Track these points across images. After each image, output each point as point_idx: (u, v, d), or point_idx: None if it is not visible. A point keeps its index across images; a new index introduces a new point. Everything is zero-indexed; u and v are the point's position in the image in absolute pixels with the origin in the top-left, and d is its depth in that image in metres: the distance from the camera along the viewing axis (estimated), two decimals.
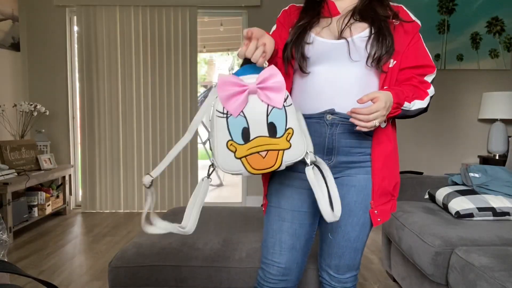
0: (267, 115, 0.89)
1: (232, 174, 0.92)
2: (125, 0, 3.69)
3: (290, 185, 1.12)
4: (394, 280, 2.18)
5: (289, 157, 0.91)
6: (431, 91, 1.08)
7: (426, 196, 2.10)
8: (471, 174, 1.96)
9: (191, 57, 3.77)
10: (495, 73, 3.77)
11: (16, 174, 3.07)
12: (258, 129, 0.89)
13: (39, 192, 3.29)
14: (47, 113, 3.67)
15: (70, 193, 3.88)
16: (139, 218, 3.54)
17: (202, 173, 5.66)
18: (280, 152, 0.91)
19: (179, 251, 1.49)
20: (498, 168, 1.96)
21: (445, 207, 1.88)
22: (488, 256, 1.35)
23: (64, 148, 3.90)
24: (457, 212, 1.77)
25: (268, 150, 0.90)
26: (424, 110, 1.08)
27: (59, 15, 3.79)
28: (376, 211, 1.09)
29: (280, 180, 1.14)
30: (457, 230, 1.60)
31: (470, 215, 1.74)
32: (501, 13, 3.71)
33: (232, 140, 0.89)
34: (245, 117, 0.88)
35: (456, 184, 2.03)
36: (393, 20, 1.07)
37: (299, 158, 0.92)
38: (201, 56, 11.70)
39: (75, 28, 3.85)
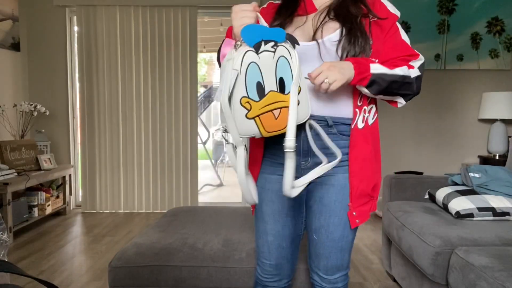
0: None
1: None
2: (125, 0, 3.69)
3: (271, 189, 1.14)
4: (394, 280, 2.18)
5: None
6: (415, 71, 1.03)
7: (426, 196, 2.10)
8: (471, 174, 1.96)
9: (191, 57, 3.77)
10: (495, 73, 3.77)
11: (16, 174, 3.07)
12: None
13: (39, 192, 3.29)
14: (47, 113, 3.67)
15: (70, 193, 3.88)
16: (139, 218, 3.54)
17: (202, 173, 5.59)
18: None
19: (179, 251, 1.49)
20: (498, 168, 1.96)
21: (445, 207, 1.88)
22: (488, 256, 1.35)
23: (64, 148, 3.90)
24: (457, 212, 1.77)
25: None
26: (411, 86, 1.03)
27: (59, 15, 3.79)
28: (354, 213, 1.08)
29: (261, 184, 1.15)
30: (457, 230, 1.60)
31: (470, 215, 1.74)
32: (501, 13, 3.71)
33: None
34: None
35: (456, 184, 2.03)
36: (369, 17, 1.03)
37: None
38: (201, 56, 11.70)
39: (75, 28, 3.86)
